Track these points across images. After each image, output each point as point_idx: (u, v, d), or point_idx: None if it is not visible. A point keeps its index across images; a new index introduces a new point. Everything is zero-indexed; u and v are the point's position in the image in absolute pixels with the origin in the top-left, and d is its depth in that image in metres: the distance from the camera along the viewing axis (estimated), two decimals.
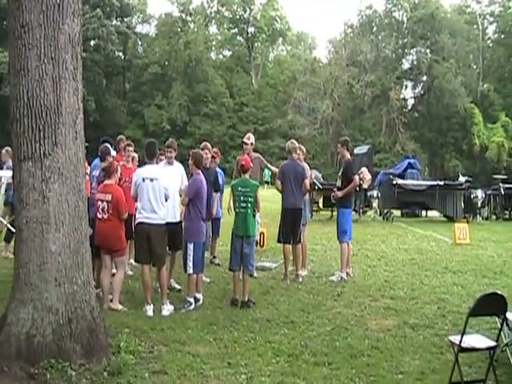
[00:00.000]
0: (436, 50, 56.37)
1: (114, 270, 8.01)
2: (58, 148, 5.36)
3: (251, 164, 8.75)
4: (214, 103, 63.14)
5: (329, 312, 7.92)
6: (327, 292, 9.14)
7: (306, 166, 10.39)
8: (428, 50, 57.81)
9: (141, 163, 9.27)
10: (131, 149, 9.66)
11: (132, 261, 9.64)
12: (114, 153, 9.07)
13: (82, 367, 5.26)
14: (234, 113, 63.82)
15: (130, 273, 9.76)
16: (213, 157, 9.89)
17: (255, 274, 9.99)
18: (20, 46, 5.37)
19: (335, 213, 13.45)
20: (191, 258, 7.85)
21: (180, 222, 8.62)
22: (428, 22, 56.68)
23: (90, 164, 9.08)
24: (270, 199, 22.82)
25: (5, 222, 8.52)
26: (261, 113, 63.42)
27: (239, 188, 8.13)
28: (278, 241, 10.03)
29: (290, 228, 9.85)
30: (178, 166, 8.98)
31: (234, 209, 8.32)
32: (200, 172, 7.96)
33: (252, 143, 10.88)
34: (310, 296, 8.82)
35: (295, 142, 10.29)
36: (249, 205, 8.11)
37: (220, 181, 10.02)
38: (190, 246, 7.85)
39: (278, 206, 10.48)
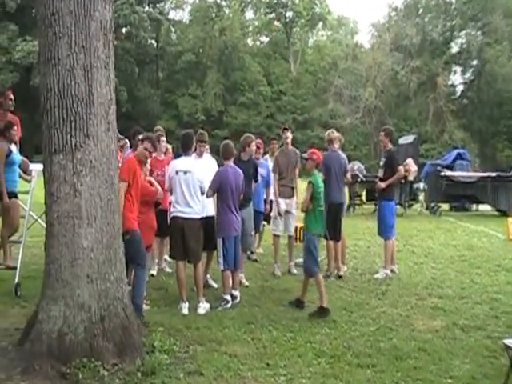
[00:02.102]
0: (488, 32, 54.71)
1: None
2: (90, 140, 5.37)
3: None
4: (250, 92, 62.43)
5: (372, 311, 7.83)
6: (371, 290, 9.02)
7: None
8: (479, 32, 56.45)
9: (176, 155, 9.28)
10: (164, 139, 9.57)
11: (167, 256, 9.75)
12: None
13: (115, 367, 5.26)
14: (271, 102, 63.00)
15: (169, 270, 9.81)
16: (257, 147, 9.83)
17: (295, 271, 10.08)
18: (50, 34, 5.40)
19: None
20: (221, 254, 7.89)
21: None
22: (479, 2, 55.32)
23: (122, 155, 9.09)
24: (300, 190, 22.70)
25: (35, 217, 8.64)
26: (300, 101, 62.52)
27: (320, 185, 7.94)
28: (324, 237, 9.86)
29: (334, 224, 9.72)
30: (209, 159, 8.88)
31: (312, 207, 7.97)
32: (230, 164, 7.92)
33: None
34: (352, 294, 8.74)
35: (334, 133, 10.21)
36: (322, 201, 8.04)
37: (265, 172, 10.20)
38: (220, 241, 7.90)
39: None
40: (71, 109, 5.36)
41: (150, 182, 7.71)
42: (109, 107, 5.60)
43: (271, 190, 10.48)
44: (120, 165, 6.90)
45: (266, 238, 12.67)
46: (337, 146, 10.05)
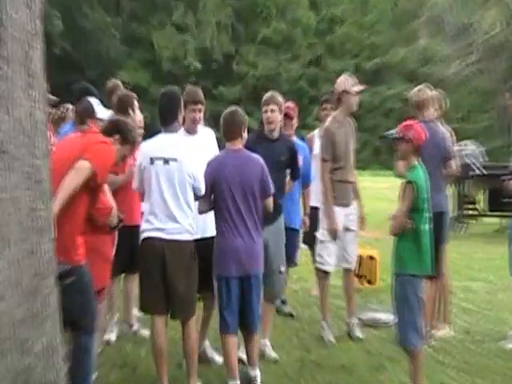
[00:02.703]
0: None
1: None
2: None
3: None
4: (279, 20, 41.45)
5: None
6: (495, 370, 5.79)
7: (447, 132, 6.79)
8: None
9: (149, 132, 6.30)
10: (136, 105, 6.39)
11: (135, 311, 6.51)
12: (104, 112, 5.90)
13: None
14: (317, 37, 42.83)
15: (142, 332, 6.48)
16: (286, 116, 6.75)
17: (359, 335, 6.75)
18: None
19: (506, 221, 9.50)
20: (217, 305, 5.35)
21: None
22: None
23: (57, 133, 6.54)
24: (369, 193, 15.89)
25: None
26: (367, 37, 42.07)
27: (424, 185, 5.13)
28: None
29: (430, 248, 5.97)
30: (207, 135, 6.01)
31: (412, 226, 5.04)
32: (233, 147, 5.25)
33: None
34: (461, 377, 5.59)
35: (427, 91, 6.61)
36: (431, 214, 5.23)
37: (300, 160, 6.69)
38: (215, 284, 5.36)
39: (386, 206, 7.41)
40: None
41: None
42: (30, 47, 3.75)
43: (315, 191, 7.23)
44: (53, 148, 4.51)
45: (303, 273, 8.99)
46: (433, 113, 6.61)
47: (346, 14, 43.42)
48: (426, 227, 5.15)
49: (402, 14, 39.66)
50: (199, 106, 5.68)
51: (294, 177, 6.37)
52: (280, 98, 6.40)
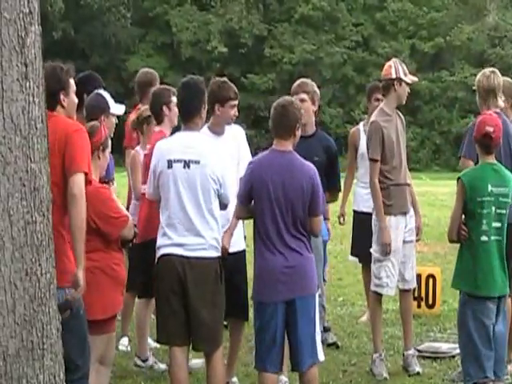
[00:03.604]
0: None
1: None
2: None
3: None
4: None
5: None
6: None
7: None
8: None
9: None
10: (173, 101, 6.35)
11: (151, 341, 6.76)
12: (118, 108, 6.13)
13: None
14: (364, 14, 41.91)
15: (159, 366, 6.60)
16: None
17: (417, 369, 6.62)
18: None
19: None
20: (254, 336, 5.26)
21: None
22: None
23: None
24: (428, 200, 17.90)
25: None
26: (425, 13, 40.45)
27: (489, 187, 5.08)
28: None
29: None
30: (235, 133, 5.97)
31: (469, 234, 5.10)
32: (280, 148, 5.14)
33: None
34: None
35: (498, 76, 6.44)
36: (504, 225, 5.14)
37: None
38: (254, 310, 5.27)
39: (447, 214, 7.23)
40: None
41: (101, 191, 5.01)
42: (26, 29, 3.77)
43: (361, 193, 7.47)
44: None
45: (349, 295, 9.17)
46: (502, 104, 6.48)
47: None
48: (486, 238, 5.02)
49: None
50: (236, 102, 5.66)
51: (331, 187, 6.14)
52: (311, 86, 6.35)
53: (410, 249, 6.69)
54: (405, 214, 6.54)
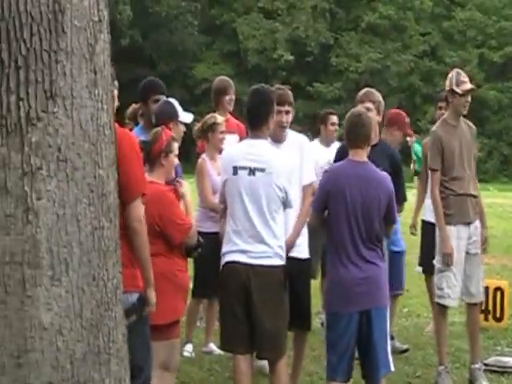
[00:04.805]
0: None
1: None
2: (57, 105, 3.55)
3: None
4: (388, 3, 40.38)
5: None
6: None
7: None
8: None
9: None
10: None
11: (213, 346, 6.86)
12: (187, 116, 6.02)
13: None
14: (432, 23, 41.30)
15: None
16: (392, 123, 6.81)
17: (484, 383, 6.49)
18: None
19: None
20: (325, 347, 5.15)
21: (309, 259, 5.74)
22: None
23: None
24: (496, 211, 17.25)
25: None
26: (494, 22, 39.76)
27: None
28: None
29: None
30: (298, 141, 5.87)
31: None
32: (355, 158, 5.12)
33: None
34: None
35: None
36: None
37: None
38: (325, 321, 5.26)
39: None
40: (17, 41, 3.48)
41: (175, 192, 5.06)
42: (95, 37, 3.73)
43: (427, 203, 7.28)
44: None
45: (415, 306, 9.00)
46: None
47: None
48: None
49: None
50: (286, 108, 5.53)
51: (400, 196, 5.95)
52: (377, 95, 6.25)
53: (476, 262, 6.54)
54: (467, 224, 6.41)
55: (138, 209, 4.05)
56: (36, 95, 3.47)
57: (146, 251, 4.06)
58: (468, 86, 6.50)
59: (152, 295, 4.13)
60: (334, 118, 7.97)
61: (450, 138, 6.42)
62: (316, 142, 8.08)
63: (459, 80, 6.52)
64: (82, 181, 3.65)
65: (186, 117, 5.95)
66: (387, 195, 5.03)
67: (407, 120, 7.76)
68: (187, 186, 5.32)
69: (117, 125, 3.85)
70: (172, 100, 6.00)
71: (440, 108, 7.70)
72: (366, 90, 6.42)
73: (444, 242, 6.29)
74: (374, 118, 5.94)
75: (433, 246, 6.70)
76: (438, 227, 6.43)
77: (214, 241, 5.68)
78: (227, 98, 7.03)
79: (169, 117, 5.65)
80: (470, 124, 6.70)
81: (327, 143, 7.95)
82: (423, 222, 7.84)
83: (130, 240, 4.02)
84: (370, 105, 6.04)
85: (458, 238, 6.32)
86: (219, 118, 6.68)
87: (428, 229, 7.32)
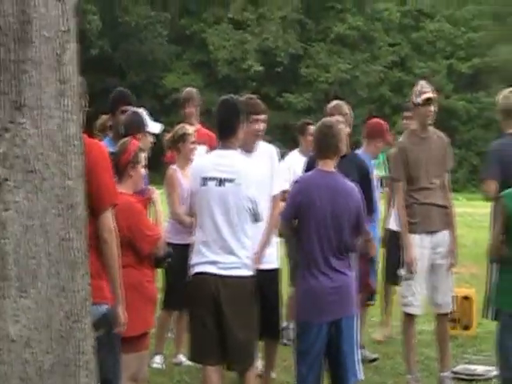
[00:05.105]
0: None
1: None
2: (24, 116, 3.56)
3: None
4: (356, 14, 41.60)
5: None
6: None
7: None
8: None
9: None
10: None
11: (182, 357, 6.79)
12: (155, 126, 6.12)
13: None
14: (401, 34, 42.45)
15: None
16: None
17: None
18: None
19: None
20: (295, 357, 5.18)
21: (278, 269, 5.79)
22: None
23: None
24: (465, 220, 18.10)
25: None
26: (463, 33, 41.15)
27: None
28: None
29: None
30: (267, 152, 5.90)
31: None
32: (325, 168, 5.16)
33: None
34: None
35: None
36: None
37: (374, 182, 6.83)
38: (294, 331, 5.31)
39: (485, 235, 7.24)
40: None
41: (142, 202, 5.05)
42: (63, 47, 3.74)
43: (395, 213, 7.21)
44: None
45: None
46: None
47: (436, 6, 41.79)
48: None
49: (507, 3, 38.08)
50: (262, 117, 5.58)
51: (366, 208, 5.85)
52: (346, 108, 6.34)
53: (442, 272, 6.54)
54: (431, 233, 6.44)
55: (109, 219, 4.03)
56: (3, 106, 3.47)
57: (115, 262, 4.04)
58: (427, 95, 6.48)
59: (121, 313, 4.10)
60: (312, 128, 8.05)
61: (416, 148, 6.46)
62: (296, 152, 8.19)
63: (420, 91, 6.52)
64: (51, 191, 3.63)
65: (155, 127, 5.96)
66: (356, 205, 5.07)
67: (387, 127, 7.79)
68: (158, 195, 5.33)
69: (86, 135, 3.82)
70: (140, 110, 6.00)
71: (406, 118, 7.85)
72: (335, 102, 6.50)
73: (407, 250, 6.34)
74: (344, 129, 5.99)
75: (395, 255, 6.72)
76: (401, 235, 6.46)
77: (184, 252, 5.63)
78: (187, 110, 7.09)
79: (137, 127, 5.65)
80: (441, 135, 6.69)
81: (307, 153, 8.02)
82: (387, 230, 7.89)
83: (100, 250, 4.01)
84: (340, 118, 6.09)
85: (421, 247, 6.36)
86: (190, 129, 6.69)
87: (392, 237, 7.38)
